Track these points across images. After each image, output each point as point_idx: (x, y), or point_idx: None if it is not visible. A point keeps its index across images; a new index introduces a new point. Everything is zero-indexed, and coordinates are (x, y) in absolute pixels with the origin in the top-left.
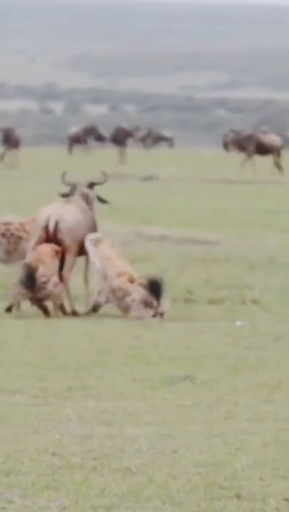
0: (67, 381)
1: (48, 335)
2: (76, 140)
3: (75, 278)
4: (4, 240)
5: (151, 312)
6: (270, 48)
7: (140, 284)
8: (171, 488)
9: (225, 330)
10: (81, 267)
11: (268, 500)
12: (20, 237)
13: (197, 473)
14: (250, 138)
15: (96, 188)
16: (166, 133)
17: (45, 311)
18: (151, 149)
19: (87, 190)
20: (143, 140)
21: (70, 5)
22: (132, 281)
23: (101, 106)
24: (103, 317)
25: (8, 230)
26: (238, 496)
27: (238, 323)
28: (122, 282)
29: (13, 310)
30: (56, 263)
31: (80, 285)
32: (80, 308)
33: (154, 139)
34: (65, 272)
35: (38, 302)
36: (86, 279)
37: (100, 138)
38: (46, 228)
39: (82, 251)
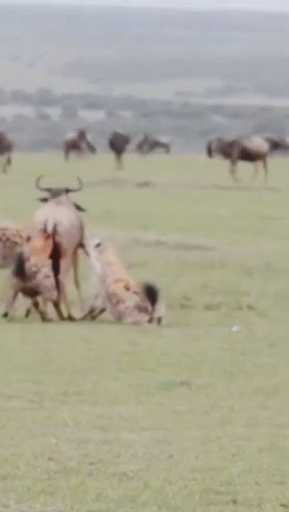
0: (64, 386)
1: (45, 339)
2: (72, 146)
3: (71, 283)
4: (0, 244)
5: (145, 317)
6: (266, 54)
7: (135, 293)
8: (167, 493)
9: (221, 335)
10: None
11: (264, 506)
12: (15, 243)
13: (193, 479)
14: (233, 144)
15: (72, 194)
16: (163, 139)
17: (43, 315)
18: (147, 155)
19: (63, 198)
20: (139, 146)
21: (66, 11)
22: (127, 288)
23: (97, 112)
24: (99, 322)
25: (4, 234)
26: (234, 502)
27: (234, 329)
28: (117, 288)
29: (7, 307)
30: (48, 252)
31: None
32: (76, 313)
33: (150, 144)
34: (61, 276)
35: (30, 294)
36: (77, 283)
37: (89, 146)
38: (44, 231)
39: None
